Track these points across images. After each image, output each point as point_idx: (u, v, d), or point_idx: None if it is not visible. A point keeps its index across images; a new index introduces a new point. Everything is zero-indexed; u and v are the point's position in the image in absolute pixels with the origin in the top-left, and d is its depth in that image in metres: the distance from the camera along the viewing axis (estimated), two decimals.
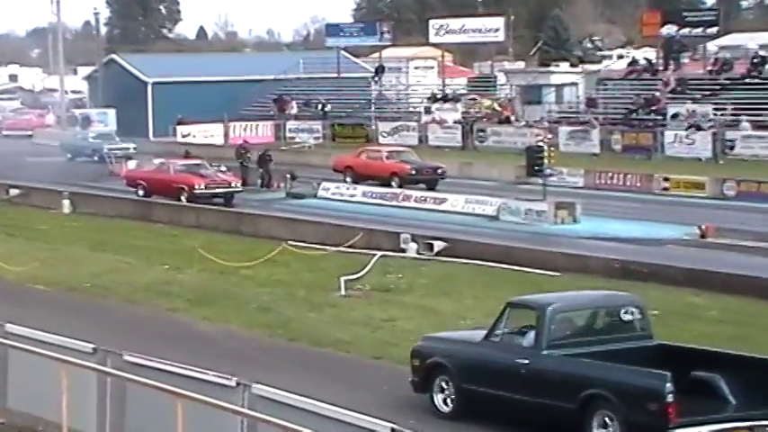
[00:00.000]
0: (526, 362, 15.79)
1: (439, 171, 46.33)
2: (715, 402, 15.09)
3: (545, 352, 15.74)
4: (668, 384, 14.42)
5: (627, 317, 16.34)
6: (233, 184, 43.05)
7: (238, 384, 13.59)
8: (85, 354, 15.41)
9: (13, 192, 44.55)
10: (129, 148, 58.62)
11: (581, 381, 15.17)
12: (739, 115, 55.30)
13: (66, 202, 41.38)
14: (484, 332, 16.71)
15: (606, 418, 14.88)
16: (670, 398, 14.36)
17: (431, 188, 44.75)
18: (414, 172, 45.82)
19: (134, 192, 43.50)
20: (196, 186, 41.85)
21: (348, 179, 46.51)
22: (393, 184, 44.90)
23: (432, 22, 74.79)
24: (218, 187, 42.49)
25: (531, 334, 15.99)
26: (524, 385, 15.74)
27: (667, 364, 15.21)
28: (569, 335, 16.10)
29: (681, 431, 13.97)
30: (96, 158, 57.31)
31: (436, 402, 16.84)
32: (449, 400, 16.75)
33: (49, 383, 15.08)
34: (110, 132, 64.57)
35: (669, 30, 63.19)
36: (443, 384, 16.77)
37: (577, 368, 15.42)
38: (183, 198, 41.45)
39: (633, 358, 15.36)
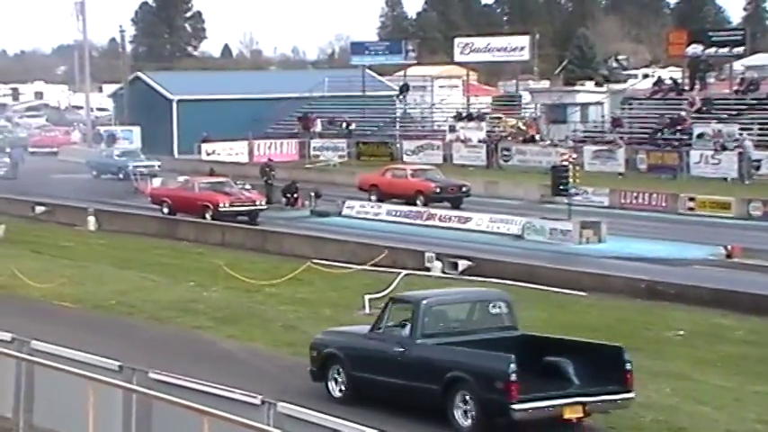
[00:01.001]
0: (402, 350, 17.68)
1: (464, 189, 46.31)
2: (560, 382, 17.08)
3: (419, 341, 17.62)
4: (512, 365, 16.32)
5: (495, 311, 18.28)
6: (258, 203, 43.08)
7: (263, 402, 13.56)
8: (111, 371, 15.41)
9: (39, 209, 44.73)
10: (154, 166, 58.81)
11: (444, 365, 17.09)
12: (766, 135, 55.11)
13: (91, 220, 41.53)
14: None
15: (465, 397, 16.76)
16: (513, 377, 16.27)
17: (456, 206, 44.72)
18: (439, 190, 45.80)
19: (159, 209, 43.60)
20: (221, 204, 41.92)
21: (373, 197, 46.50)
22: (418, 202, 44.86)
23: (457, 40, 74.91)
24: (242, 205, 42.54)
25: (409, 325, 17.86)
26: (401, 371, 17.61)
27: (527, 351, 17.27)
28: (441, 326, 18.00)
29: (521, 406, 16.21)
30: (122, 176, 57.47)
31: (330, 389, 18.63)
32: (342, 387, 18.51)
33: (74, 401, 15.09)
34: (135, 150, 64.82)
35: (695, 49, 63.06)
36: (336, 373, 18.60)
37: (442, 354, 17.37)
38: (207, 216, 41.51)
39: (498, 346, 17.17)
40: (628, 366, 16.95)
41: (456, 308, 18.63)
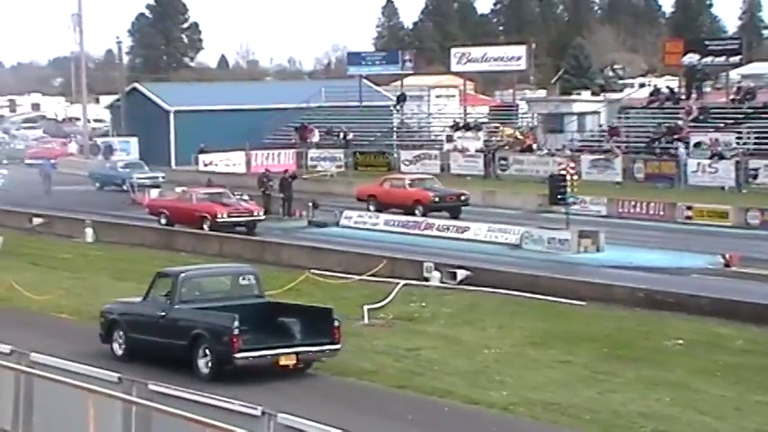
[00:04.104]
0: (163, 314, 21.48)
1: (462, 198, 46.17)
2: (285, 337, 20.92)
3: (177, 306, 21.44)
4: (235, 323, 20.11)
5: (244, 282, 22.22)
6: (255, 213, 43.02)
7: (264, 414, 13.54)
8: (111, 383, 15.38)
9: (37, 221, 44.64)
10: (158, 177, 58.72)
11: (191, 325, 20.90)
12: (764, 144, 55.13)
13: (89, 231, 41.45)
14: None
15: (205, 349, 20.57)
16: (236, 332, 20.08)
17: (454, 216, 44.58)
18: (437, 199, 45.62)
19: (156, 220, 43.51)
20: (219, 215, 41.87)
21: (371, 208, 46.38)
22: (417, 212, 44.72)
23: (453, 50, 74.91)
24: (240, 216, 42.48)
25: (169, 294, 21.61)
26: (162, 331, 21.42)
27: (266, 314, 21.40)
28: (197, 294, 21.81)
29: (242, 354, 20.04)
30: (125, 188, 57.12)
31: (114, 349, 22.34)
32: (123, 347, 22.20)
33: (74, 413, 15.04)
34: (139, 161, 64.65)
35: (691, 58, 63.11)
36: (119, 336, 22.36)
37: (189, 316, 21.11)
38: (205, 227, 41.45)
39: (245, 311, 20.81)
40: (336, 324, 20.94)
41: (210, 280, 22.75)
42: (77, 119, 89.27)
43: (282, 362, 20.39)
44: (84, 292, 30.13)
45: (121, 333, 22.29)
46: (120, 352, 22.24)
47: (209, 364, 20.50)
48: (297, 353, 20.54)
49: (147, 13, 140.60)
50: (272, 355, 20.38)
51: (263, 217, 43.36)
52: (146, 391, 15.00)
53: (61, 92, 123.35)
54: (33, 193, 56.17)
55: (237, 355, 20.08)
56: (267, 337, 20.77)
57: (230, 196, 44.08)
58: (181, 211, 43.09)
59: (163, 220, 43.26)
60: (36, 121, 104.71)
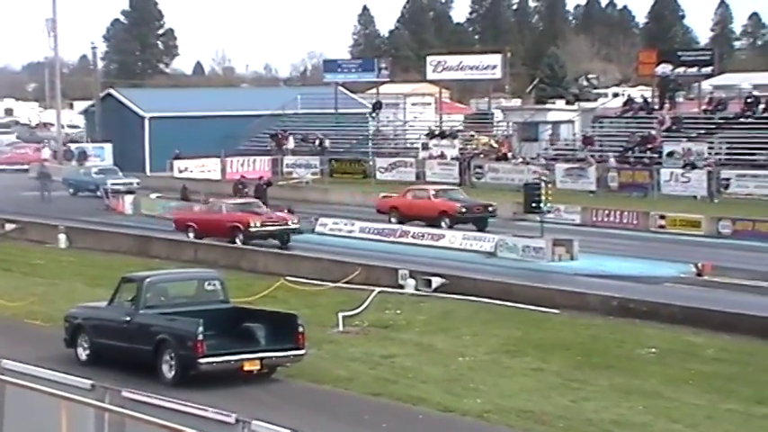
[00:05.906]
0: (128, 319, 21.58)
1: (490, 209, 44.02)
2: (249, 342, 21.01)
3: (141, 311, 21.51)
4: (200, 328, 20.23)
5: (209, 287, 22.31)
6: (290, 222, 40.97)
7: (238, 421, 13.53)
8: (84, 390, 15.33)
9: (9, 226, 44.41)
10: (132, 183, 58.49)
11: (155, 330, 21.03)
12: (736, 154, 55.49)
13: (62, 237, 41.28)
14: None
15: (169, 354, 20.68)
16: (200, 337, 20.20)
17: (481, 228, 42.43)
18: (464, 210, 43.57)
19: (184, 234, 41.17)
20: (251, 224, 39.99)
21: (393, 220, 44.17)
22: (443, 224, 42.58)
23: (429, 58, 75.10)
24: (274, 225, 40.57)
25: (134, 299, 21.72)
26: (127, 336, 21.52)
27: (231, 319, 21.50)
28: (162, 299, 21.96)
29: (207, 359, 20.19)
30: (99, 194, 56.82)
31: (78, 354, 22.41)
32: (87, 352, 22.27)
33: (46, 420, 14.96)
34: (113, 167, 64.45)
35: (664, 69, 63.45)
36: (83, 340, 22.40)
37: (154, 321, 21.24)
38: (238, 240, 39.49)
39: (210, 316, 20.92)
40: (300, 329, 21.01)
41: (175, 285, 22.85)
42: (51, 124, 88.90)
43: (247, 367, 20.56)
44: (58, 299, 29.98)
45: (86, 338, 22.32)
46: (84, 357, 22.28)
47: (174, 370, 20.62)
48: (261, 358, 20.66)
49: (122, 18, 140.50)
50: (236, 360, 20.53)
51: (298, 226, 41.30)
52: (119, 398, 14.96)
53: (35, 97, 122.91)
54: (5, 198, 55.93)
55: (202, 361, 20.22)
56: (232, 343, 20.93)
57: (260, 206, 42.26)
58: (210, 223, 41.00)
59: (191, 234, 40.94)
60: (9, 126, 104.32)
